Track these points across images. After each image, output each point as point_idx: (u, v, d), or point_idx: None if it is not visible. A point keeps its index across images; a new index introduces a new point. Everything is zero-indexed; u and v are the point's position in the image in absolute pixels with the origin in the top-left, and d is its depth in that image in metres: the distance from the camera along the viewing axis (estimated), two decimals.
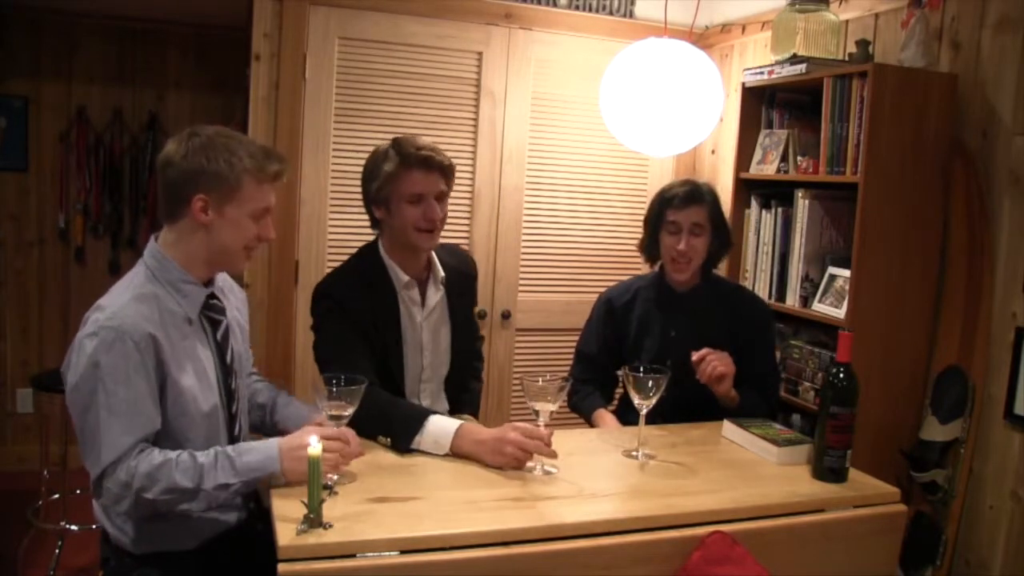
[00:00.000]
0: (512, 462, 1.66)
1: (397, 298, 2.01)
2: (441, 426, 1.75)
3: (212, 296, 1.68)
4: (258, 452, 1.53)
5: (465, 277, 2.19)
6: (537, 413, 1.70)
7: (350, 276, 2.02)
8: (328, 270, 2.97)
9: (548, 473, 1.68)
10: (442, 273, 2.08)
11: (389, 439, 1.77)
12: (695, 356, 2.02)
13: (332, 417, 1.58)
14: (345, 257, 2.96)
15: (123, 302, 1.53)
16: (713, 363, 1.99)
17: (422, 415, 1.78)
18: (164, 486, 1.45)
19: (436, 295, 2.07)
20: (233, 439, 1.70)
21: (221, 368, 1.68)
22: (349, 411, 1.58)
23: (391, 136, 2.98)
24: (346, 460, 1.57)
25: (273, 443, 1.54)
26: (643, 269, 3.11)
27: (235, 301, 1.80)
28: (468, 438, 1.71)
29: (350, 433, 1.60)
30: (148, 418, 1.50)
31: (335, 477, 1.54)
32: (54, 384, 2.83)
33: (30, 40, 3.66)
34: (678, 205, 2.15)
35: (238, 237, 1.61)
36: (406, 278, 2.01)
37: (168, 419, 1.54)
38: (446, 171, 1.97)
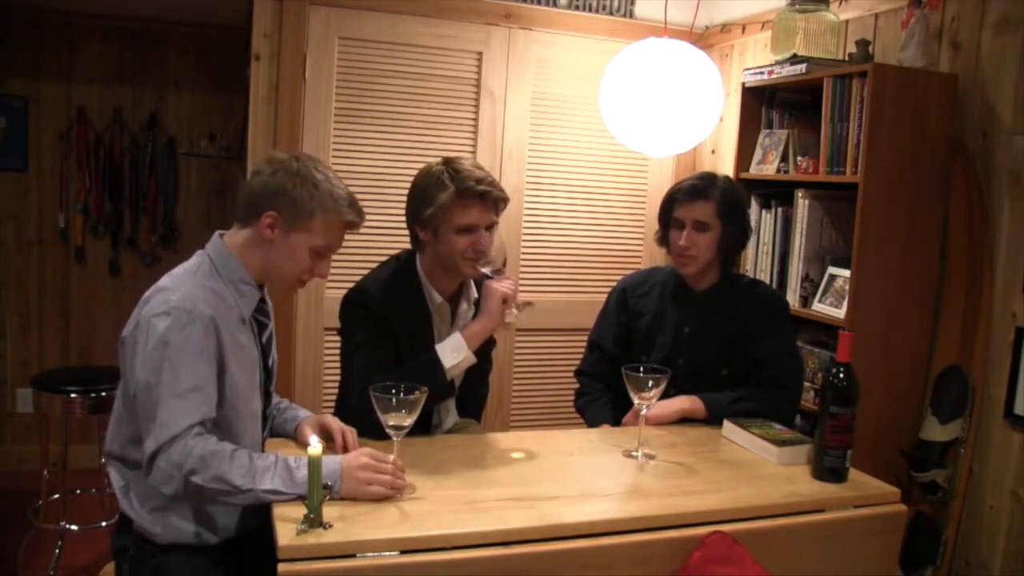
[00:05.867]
0: (507, 292, 1.87)
1: (431, 317, 2.00)
2: (449, 345, 1.89)
3: (263, 299, 1.74)
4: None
5: None
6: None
7: (385, 287, 1.98)
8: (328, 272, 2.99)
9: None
10: (475, 294, 2.07)
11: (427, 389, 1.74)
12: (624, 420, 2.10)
13: (392, 428, 1.54)
14: (345, 259, 3.00)
15: (192, 286, 1.56)
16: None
17: (430, 355, 1.87)
18: (214, 474, 1.45)
19: (467, 314, 2.07)
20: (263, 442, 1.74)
21: (263, 370, 1.72)
22: (409, 421, 1.55)
23: (391, 136, 3.04)
24: (396, 489, 1.50)
25: (334, 460, 1.50)
26: (644, 266, 3.13)
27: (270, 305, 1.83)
28: (471, 330, 1.90)
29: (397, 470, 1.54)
30: (208, 402, 1.52)
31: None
32: (54, 384, 2.83)
33: (30, 40, 3.66)
34: (681, 200, 2.13)
35: (293, 265, 1.67)
36: (439, 300, 2.01)
37: (220, 412, 1.56)
38: (501, 204, 1.96)
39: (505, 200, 1.97)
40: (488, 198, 1.91)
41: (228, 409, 1.58)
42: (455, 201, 1.88)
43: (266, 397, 1.76)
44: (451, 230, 1.90)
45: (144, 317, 1.53)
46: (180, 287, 1.56)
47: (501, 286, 1.88)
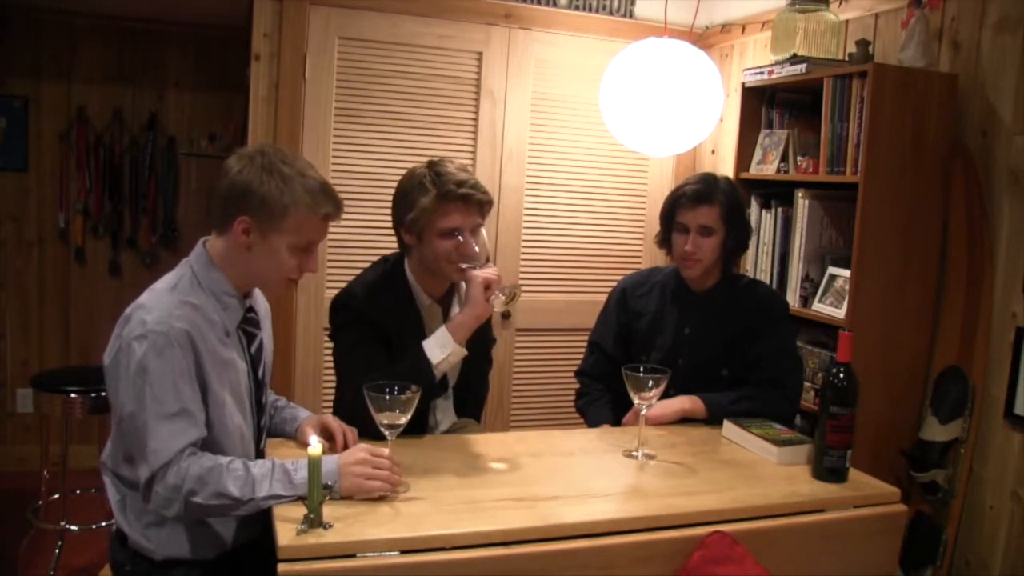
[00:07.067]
0: (488, 277, 1.82)
1: (422, 318, 1.99)
2: (435, 339, 1.85)
3: (250, 310, 1.69)
4: None
5: None
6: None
7: (373, 290, 1.97)
8: (328, 272, 2.99)
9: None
10: None
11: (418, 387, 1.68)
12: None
13: (386, 427, 1.56)
14: (345, 259, 3.01)
15: (170, 305, 1.52)
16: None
17: (417, 351, 1.84)
18: (214, 490, 1.44)
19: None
20: (259, 453, 1.71)
21: (253, 381, 1.68)
22: (403, 420, 1.56)
23: (391, 136, 3.04)
24: (392, 484, 1.52)
25: (331, 460, 1.50)
26: (644, 266, 3.13)
27: (263, 312, 1.79)
28: (455, 321, 1.85)
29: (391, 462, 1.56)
30: (196, 422, 1.49)
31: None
32: (54, 384, 2.83)
33: (30, 40, 3.66)
34: (685, 205, 2.12)
35: (276, 268, 1.60)
36: (428, 301, 2.00)
37: (207, 429, 1.53)
38: (485, 207, 1.93)
39: (489, 202, 1.95)
40: (470, 200, 1.89)
41: (215, 424, 1.55)
42: (437, 205, 1.86)
43: (258, 410, 1.71)
44: (434, 234, 1.88)
45: (124, 341, 1.49)
46: (156, 306, 1.51)
47: (482, 272, 1.85)
